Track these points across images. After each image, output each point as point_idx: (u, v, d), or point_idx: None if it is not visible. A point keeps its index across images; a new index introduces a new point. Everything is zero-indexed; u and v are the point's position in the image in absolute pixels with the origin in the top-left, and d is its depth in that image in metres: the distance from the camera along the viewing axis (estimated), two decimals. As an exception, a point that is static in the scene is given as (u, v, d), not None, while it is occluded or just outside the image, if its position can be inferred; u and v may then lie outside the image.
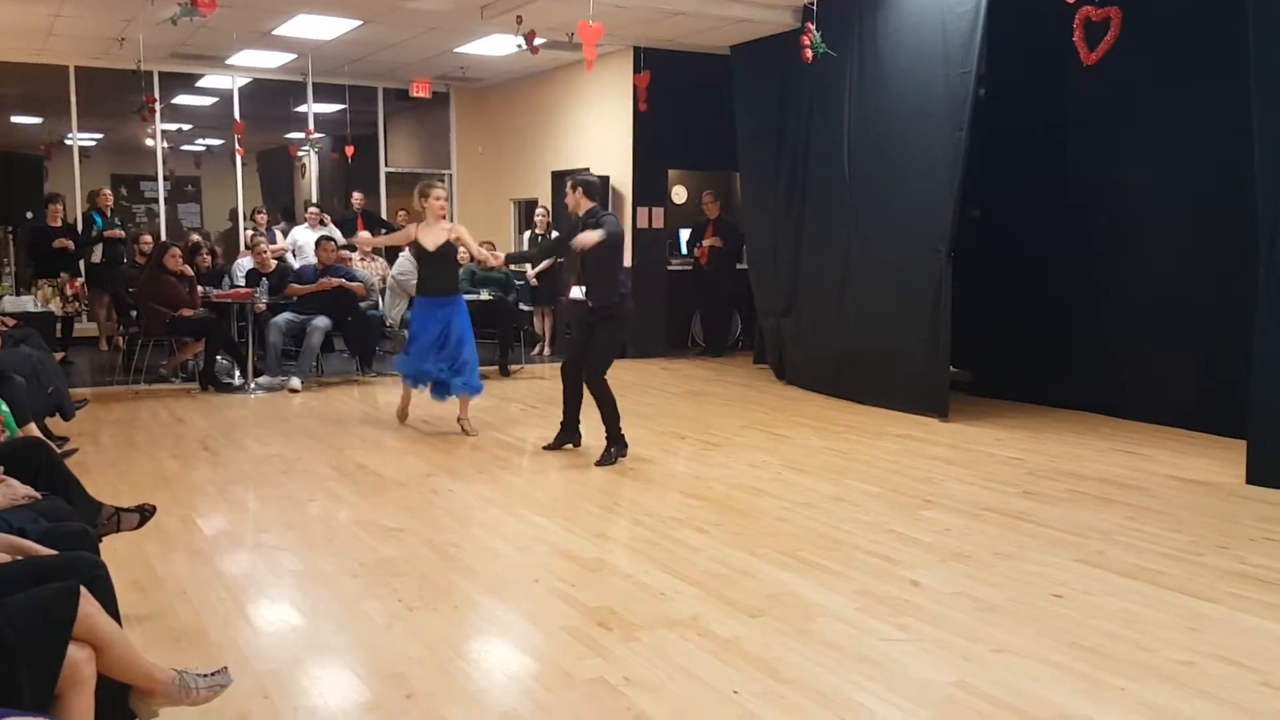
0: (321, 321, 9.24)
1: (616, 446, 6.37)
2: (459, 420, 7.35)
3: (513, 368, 10.27)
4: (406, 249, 10.16)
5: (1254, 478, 5.76)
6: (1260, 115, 5.64)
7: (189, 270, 9.16)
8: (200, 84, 13.39)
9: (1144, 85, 7.34)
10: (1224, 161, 6.70)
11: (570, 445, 6.69)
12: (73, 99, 12.43)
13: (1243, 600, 3.96)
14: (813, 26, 7.81)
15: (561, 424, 6.70)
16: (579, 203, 6.41)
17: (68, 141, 12.69)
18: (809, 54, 7.77)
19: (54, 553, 2.75)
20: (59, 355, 9.15)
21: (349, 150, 13.05)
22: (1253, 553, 4.55)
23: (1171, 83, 7.17)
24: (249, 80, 13.31)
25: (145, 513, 3.90)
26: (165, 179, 13.26)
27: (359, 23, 10.14)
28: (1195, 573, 4.28)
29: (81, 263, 10.99)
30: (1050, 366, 8.22)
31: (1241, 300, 6.06)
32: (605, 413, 6.33)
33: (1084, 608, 3.87)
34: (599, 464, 6.26)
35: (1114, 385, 7.74)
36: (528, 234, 11.92)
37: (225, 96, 13.44)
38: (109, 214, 11.30)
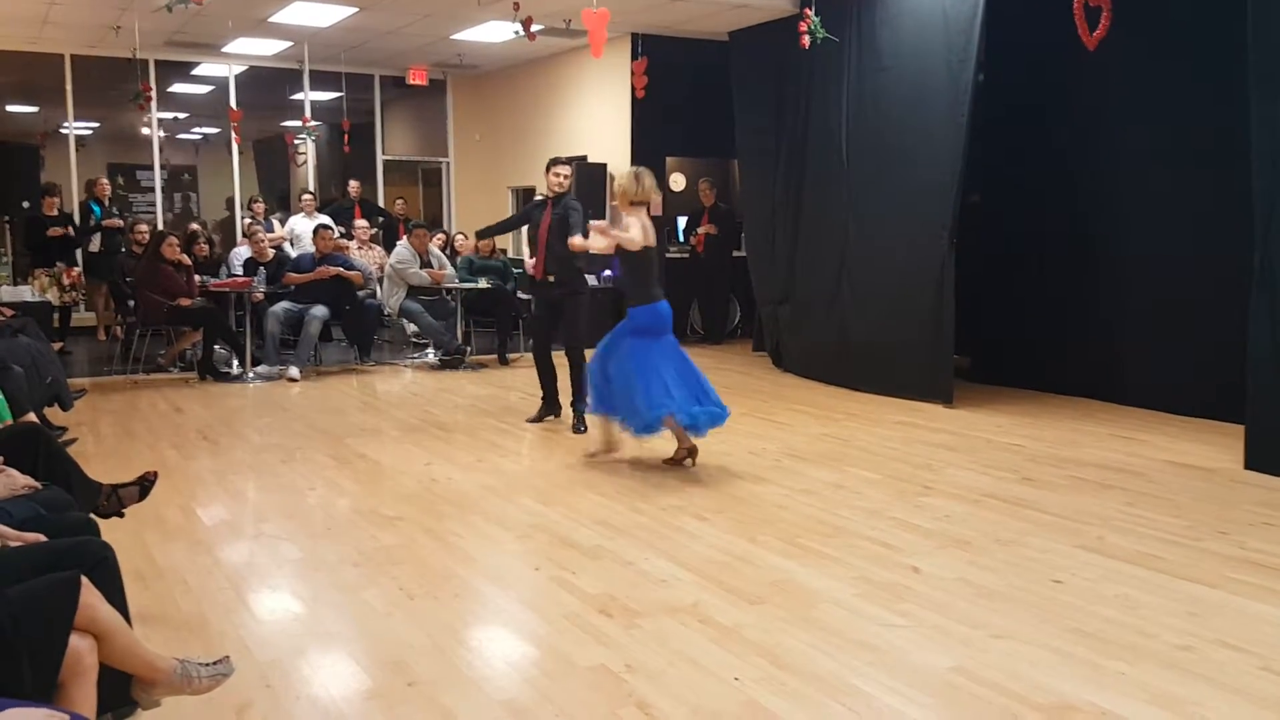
0: (319, 310, 9.23)
1: (549, 409, 7.14)
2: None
3: (511, 356, 10.27)
4: (406, 239, 10.16)
5: (1252, 463, 5.77)
6: (1257, 106, 5.63)
7: (186, 259, 9.14)
8: (196, 72, 13.35)
9: (1145, 73, 7.31)
10: (1222, 150, 6.67)
11: (552, 417, 7.21)
12: (68, 87, 12.38)
13: (1242, 585, 3.96)
14: (811, 12, 7.79)
15: (542, 399, 7.21)
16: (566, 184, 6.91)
17: (64, 130, 12.65)
18: (807, 40, 7.75)
19: (41, 537, 2.75)
20: (57, 345, 9.12)
21: (345, 140, 13.02)
22: (1252, 538, 4.56)
23: (1172, 72, 7.15)
24: (245, 68, 13.27)
25: (146, 482, 3.89)
26: (162, 168, 13.23)
27: (355, 9, 10.10)
28: (1194, 558, 4.29)
29: (79, 252, 10.97)
30: (1049, 352, 8.22)
31: (1239, 287, 6.05)
32: (582, 377, 6.66)
33: (1083, 593, 3.88)
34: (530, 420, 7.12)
35: (1113, 371, 7.75)
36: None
37: (221, 85, 13.39)
38: (107, 203, 11.28)
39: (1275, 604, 3.77)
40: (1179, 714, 2.93)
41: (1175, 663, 3.26)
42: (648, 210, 5.99)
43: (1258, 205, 5.68)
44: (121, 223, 11.11)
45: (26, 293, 9.15)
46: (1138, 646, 3.39)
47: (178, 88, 13.79)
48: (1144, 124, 7.38)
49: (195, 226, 11.02)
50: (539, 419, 7.21)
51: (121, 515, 3.93)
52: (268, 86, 13.73)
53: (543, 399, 7.21)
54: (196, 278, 9.21)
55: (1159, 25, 7.12)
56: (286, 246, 11.21)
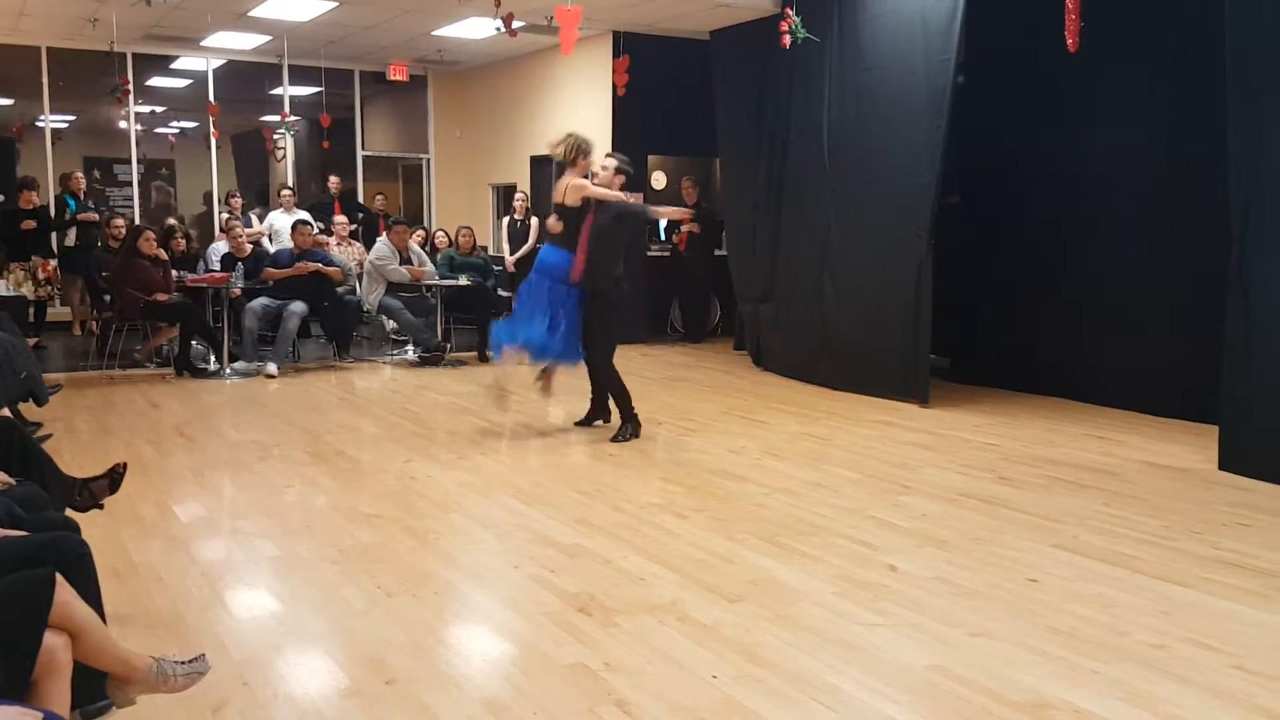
0: (298, 306, 9.17)
1: (632, 426, 6.60)
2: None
3: (491, 353, 10.24)
4: (385, 236, 10.12)
5: (1226, 464, 5.82)
6: (1234, 110, 5.68)
7: (163, 254, 9.07)
8: (174, 66, 13.25)
9: (1123, 76, 7.37)
10: (1200, 153, 6.73)
11: (600, 421, 6.90)
12: (44, 80, 12.27)
13: (1215, 584, 4.00)
14: (792, 12, 7.81)
15: (591, 400, 6.95)
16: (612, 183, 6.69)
17: (40, 123, 12.53)
18: (788, 40, 7.77)
19: (21, 533, 2.73)
20: (32, 340, 9.04)
21: (324, 136, 12.96)
22: (1225, 538, 4.60)
23: (1150, 75, 7.21)
24: (224, 62, 13.18)
25: (115, 474, 3.85)
26: (139, 162, 13.13)
27: (335, 4, 10.05)
28: (1168, 557, 4.33)
29: (54, 246, 10.88)
30: (1026, 353, 8.27)
31: (1215, 289, 6.11)
32: (614, 394, 6.65)
33: (1059, 592, 3.91)
34: (614, 440, 6.53)
35: (1089, 372, 7.80)
36: (506, 219, 11.89)
37: (200, 79, 13.30)
38: (82, 197, 11.18)
39: (1248, 603, 3.81)
40: (1152, 712, 2.95)
41: (1149, 661, 3.29)
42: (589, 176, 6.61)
43: (1233, 208, 5.73)
44: (96, 217, 11.02)
45: (1, 287, 9.06)
46: (1112, 645, 3.42)
47: (155, 81, 13.69)
48: (1123, 127, 7.43)
49: (172, 221, 10.95)
50: (586, 423, 6.92)
51: (101, 507, 3.89)
52: (246, 81, 13.65)
53: (591, 400, 6.94)
54: (174, 273, 9.14)
55: (1138, 29, 7.18)
56: (265, 242, 11.15)
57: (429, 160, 14.74)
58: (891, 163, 7.87)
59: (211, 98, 12.91)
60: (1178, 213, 7.10)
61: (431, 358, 9.81)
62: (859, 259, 8.28)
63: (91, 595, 2.60)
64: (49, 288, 10.39)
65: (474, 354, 10.20)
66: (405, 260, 9.90)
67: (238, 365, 9.06)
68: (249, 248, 9.93)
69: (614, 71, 10.73)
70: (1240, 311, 5.75)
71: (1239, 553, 4.39)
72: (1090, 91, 7.59)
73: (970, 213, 8.51)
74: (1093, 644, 3.42)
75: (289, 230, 10.39)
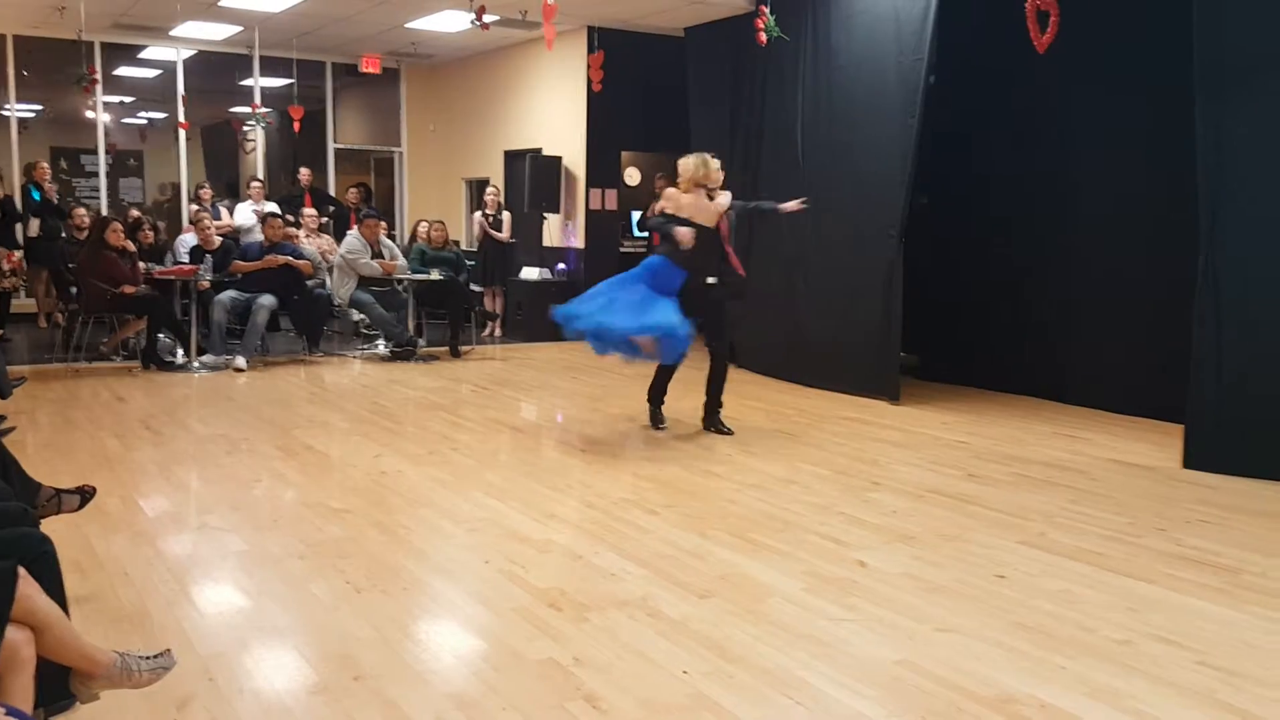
0: (267, 300, 9.10)
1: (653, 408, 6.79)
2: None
3: (463, 349, 10.21)
4: (356, 229, 10.06)
5: (1191, 462, 5.89)
6: (1201, 109, 5.75)
7: (131, 246, 8.97)
8: (143, 56, 13.10)
9: (1095, 76, 7.43)
10: (1167, 154, 6.80)
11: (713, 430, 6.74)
12: (10, 69, 12.10)
13: (1180, 581, 4.05)
14: (766, 9, 7.83)
15: (706, 406, 6.84)
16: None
17: (5, 113, 12.36)
18: (763, 37, 7.78)
19: None
20: (-5, 332, 8.93)
21: (296, 125, 12.85)
22: (1190, 535, 4.66)
23: (1122, 75, 7.28)
24: (193, 53, 13.04)
25: (85, 494, 3.81)
26: (107, 152, 12.98)
27: (307, -5, 9.98)
28: (1134, 554, 4.37)
29: (20, 236, 10.73)
30: (995, 352, 8.34)
31: (1181, 290, 6.18)
32: (718, 384, 6.73)
33: (1026, 588, 3.94)
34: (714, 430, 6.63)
35: (1057, 371, 7.88)
36: (478, 214, 11.85)
37: (169, 69, 13.16)
38: (46, 187, 11.03)
39: (1211, 600, 3.86)
40: (1117, 707, 2.99)
41: (1114, 656, 3.33)
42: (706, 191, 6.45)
43: (1202, 207, 5.80)
44: (55, 196, 10.88)
45: (-36, 278, 8.94)
46: (1078, 640, 3.45)
47: (124, 71, 13.52)
48: (1092, 129, 7.50)
49: (136, 213, 10.83)
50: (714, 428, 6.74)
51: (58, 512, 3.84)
52: (216, 72, 13.51)
53: (706, 406, 6.82)
54: (141, 265, 9.04)
55: (1109, 28, 7.24)
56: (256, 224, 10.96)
57: (401, 154, 14.66)
58: (864, 162, 7.91)
59: (181, 88, 12.77)
60: (1146, 214, 7.17)
61: (403, 352, 9.76)
62: (831, 257, 8.31)
63: (55, 590, 2.57)
64: (14, 279, 10.24)
65: (445, 349, 10.15)
66: (376, 254, 9.83)
67: (205, 359, 8.98)
68: (218, 240, 9.83)
69: (589, 67, 10.71)
70: (1208, 313, 5.82)
71: (1203, 549, 4.44)
72: (1060, 95, 7.65)
73: (940, 213, 8.55)
74: (1059, 639, 3.46)
75: (258, 222, 10.29)
